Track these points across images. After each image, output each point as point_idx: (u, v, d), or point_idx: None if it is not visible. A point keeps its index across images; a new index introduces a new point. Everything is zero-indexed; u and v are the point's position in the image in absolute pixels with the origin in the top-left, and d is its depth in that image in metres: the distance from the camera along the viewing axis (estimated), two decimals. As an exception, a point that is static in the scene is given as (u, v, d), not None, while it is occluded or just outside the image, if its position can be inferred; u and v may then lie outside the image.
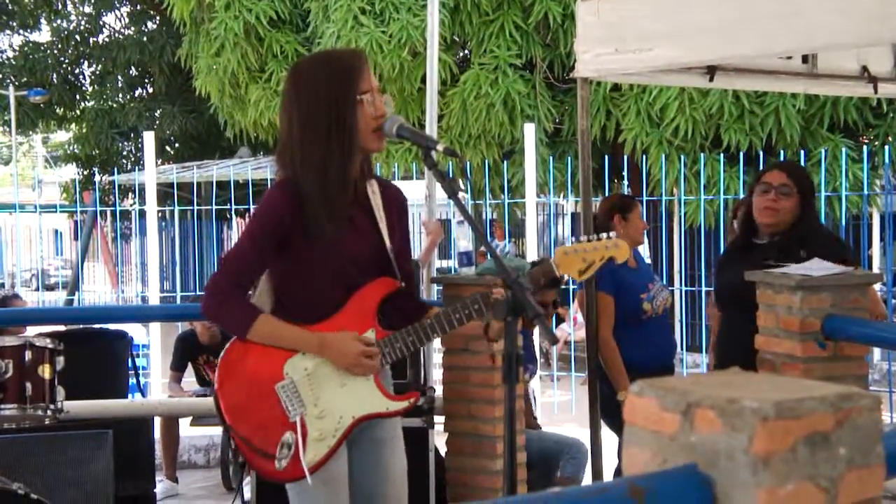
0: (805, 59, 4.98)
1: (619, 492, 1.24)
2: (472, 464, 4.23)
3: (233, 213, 11.54)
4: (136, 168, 16.18)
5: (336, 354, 2.80)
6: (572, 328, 10.76)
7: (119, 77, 18.90)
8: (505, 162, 10.40)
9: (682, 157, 9.82)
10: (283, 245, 2.80)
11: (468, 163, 10.59)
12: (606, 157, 9.56)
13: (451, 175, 2.80)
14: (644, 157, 10.05)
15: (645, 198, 9.55)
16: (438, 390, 4.48)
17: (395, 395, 2.92)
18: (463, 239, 4.41)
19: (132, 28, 18.98)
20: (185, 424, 6.47)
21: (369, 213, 2.90)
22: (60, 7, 19.58)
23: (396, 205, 2.99)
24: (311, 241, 2.79)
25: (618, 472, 4.78)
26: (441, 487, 4.26)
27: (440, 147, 2.70)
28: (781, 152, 9.45)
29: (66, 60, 19.25)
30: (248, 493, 5.00)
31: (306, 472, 2.77)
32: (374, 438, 2.95)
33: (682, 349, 9.59)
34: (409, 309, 2.96)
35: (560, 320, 11.33)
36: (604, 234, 2.90)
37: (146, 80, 19.07)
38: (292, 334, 2.80)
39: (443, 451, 4.38)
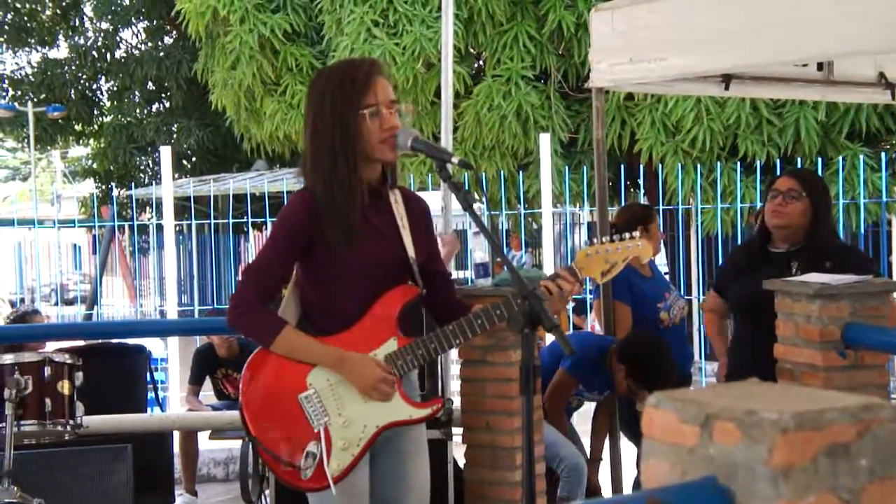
0: (821, 66, 4.96)
1: (638, 505, 1.23)
2: (490, 475, 4.22)
3: (250, 225, 11.58)
4: (154, 182, 16.27)
5: (355, 376, 2.82)
6: (590, 338, 10.72)
7: (136, 92, 19.00)
8: (520, 173, 10.40)
9: (699, 167, 9.79)
10: (305, 253, 2.84)
11: (483, 174, 10.60)
12: (622, 166, 9.55)
13: (466, 187, 2.79)
14: (660, 166, 10.03)
15: (661, 207, 9.53)
16: (456, 402, 4.47)
17: (418, 403, 2.93)
18: (479, 250, 4.41)
19: (149, 43, 19.08)
20: (203, 438, 6.47)
21: (392, 221, 2.93)
22: (78, 23, 19.71)
23: (421, 214, 3.02)
24: (331, 248, 2.81)
25: (637, 484, 4.76)
26: (460, 499, 4.25)
27: (455, 160, 2.72)
28: (798, 161, 9.42)
29: (84, 76, 19.38)
30: (267, 507, 5.00)
31: (330, 481, 2.79)
32: (398, 450, 2.96)
33: (700, 358, 9.55)
34: (454, 308, 2.98)
35: (577, 328, 11.30)
36: (626, 234, 2.89)
37: (163, 95, 19.17)
38: (313, 348, 2.83)
39: (461, 462, 4.37)
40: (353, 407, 2.84)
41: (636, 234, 2.91)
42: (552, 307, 2.79)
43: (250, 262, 2.98)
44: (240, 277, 2.91)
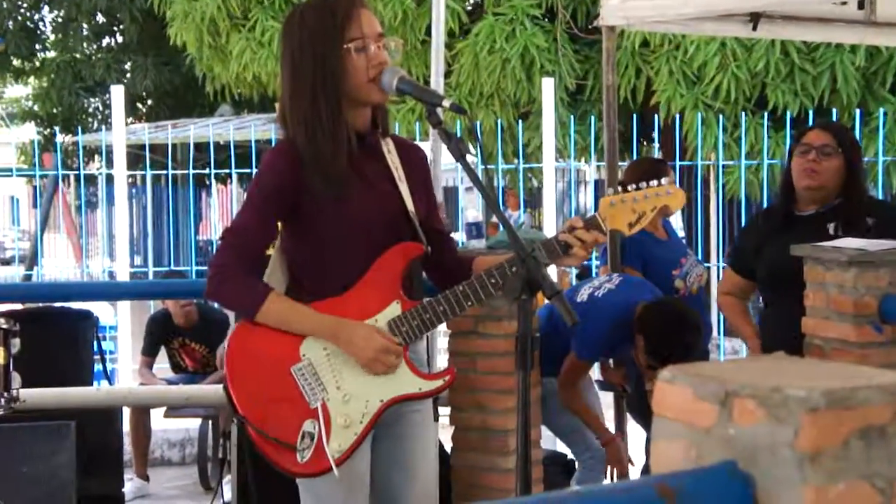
0: (862, 4, 4.94)
1: (646, 492, 1.24)
2: (480, 461, 4.24)
3: (213, 178, 11.54)
4: (104, 127, 16.17)
5: (353, 347, 2.80)
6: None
7: (84, 24, 18.85)
8: (520, 123, 10.37)
9: (722, 120, 9.78)
10: (290, 211, 2.84)
11: (479, 124, 10.56)
12: (636, 118, 9.54)
13: (458, 136, 2.78)
14: (678, 119, 10.02)
15: (678, 163, 9.52)
16: (443, 379, 4.48)
17: (428, 374, 2.93)
18: (472, 208, 4.40)
19: (99, -32, 18.92)
20: (157, 416, 6.49)
21: (386, 172, 2.92)
22: (17, -56, 19.53)
23: (418, 164, 3.02)
24: (319, 203, 2.81)
25: (645, 471, 4.78)
26: (446, 487, 4.27)
27: (446, 103, 2.71)
28: (834, 114, 9.41)
29: (24, 4, 19.20)
30: (228, 494, 5.02)
31: (332, 463, 2.77)
32: (401, 435, 2.97)
33: (718, 333, 9.59)
34: (453, 266, 2.99)
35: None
36: (653, 181, 2.87)
37: (115, 28, 19.02)
38: (304, 317, 2.82)
39: (448, 446, 4.39)
40: (354, 379, 2.83)
41: (665, 180, 2.88)
42: (571, 262, 2.79)
43: (228, 224, 2.97)
44: (209, 236, 2.90)
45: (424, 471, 3.00)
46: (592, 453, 4.58)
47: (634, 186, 2.86)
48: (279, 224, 2.89)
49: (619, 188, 2.89)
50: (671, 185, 2.88)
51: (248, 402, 2.83)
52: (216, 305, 5.92)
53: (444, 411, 4.37)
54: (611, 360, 4.89)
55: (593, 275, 9.90)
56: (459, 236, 10.00)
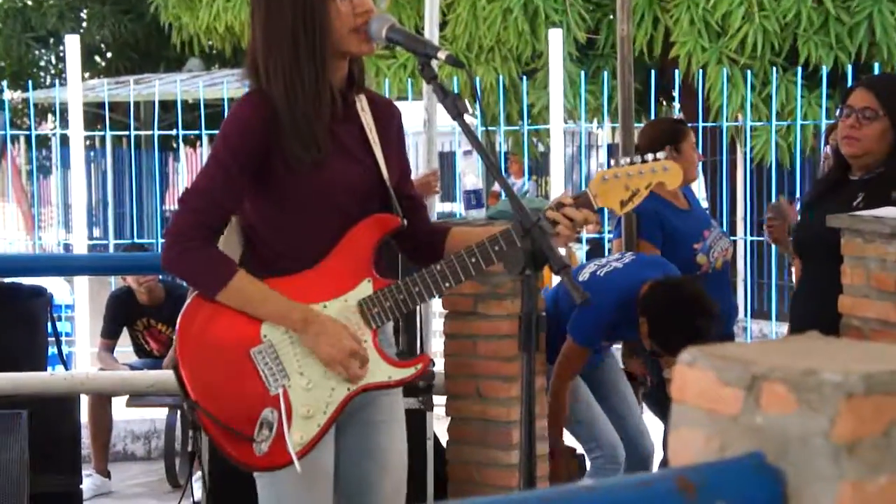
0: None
1: (665, 486, 1.24)
2: (479, 455, 4.26)
3: (181, 140, 11.52)
4: (58, 83, 16.11)
5: (319, 344, 2.81)
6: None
7: (35, -33, 18.76)
8: (524, 81, 10.35)
9: (749, 77, 9.77)
10: (258, 173, 2.82)
11: (478, 80, 10.54)
12: (653, 74, 9.52)
13: (456, 93, 2.79)
14: (701, 75, 10.00)
15: (701, 125, 9.51)
16: (439, 364, 4.50)
17: (399, 362, 2.95)
18: (471, 174, 4.39)
19: None
20: (119, 405, 6.50)
21: (361, 134, 2.92)
22: None
23: (391, 123, 3.01)
24: (290, 169, 2.80)
25: (664, 464, 4.81)
26: (441, 485, 4.29)
27: (441, 55, 2.71)
28: (876, 68, 9.39)
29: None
30: (198, 492, 5.03)
31: (294, 456, 2.78)
32: (369, 421, 2.98)
33: (745, 315, 9.60)
34: (430, 240, 3.00)
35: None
36: (650, 156, 2.89)
37: (70, -28, 18.92)
38: (272, 302, 2.82)
39: (443, 439, 4.40)
40: (319, 366, 2.84)
41: (662, 154, 2.90)
42: (557, 242, 2.80)
43: (189, 185, 2.96)
44: (175, 206, 2.89)
45: (394, 461, 3.03)
46: (603, 451, 4.58)
47: (628, 161, 2.90)
48: (246, 188, 2.87)
49: (614, 163, 2.90)
50: (668, 160, 2.91)
51: (201, 386, 2.83)
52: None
53: (440, 400, 4.39)
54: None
55: (605, 252, 9.92)
56: (458, 207, 10.00)
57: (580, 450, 4.77)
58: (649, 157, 2.89)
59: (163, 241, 2.86)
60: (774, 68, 9.87)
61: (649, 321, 4.22)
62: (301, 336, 2.82)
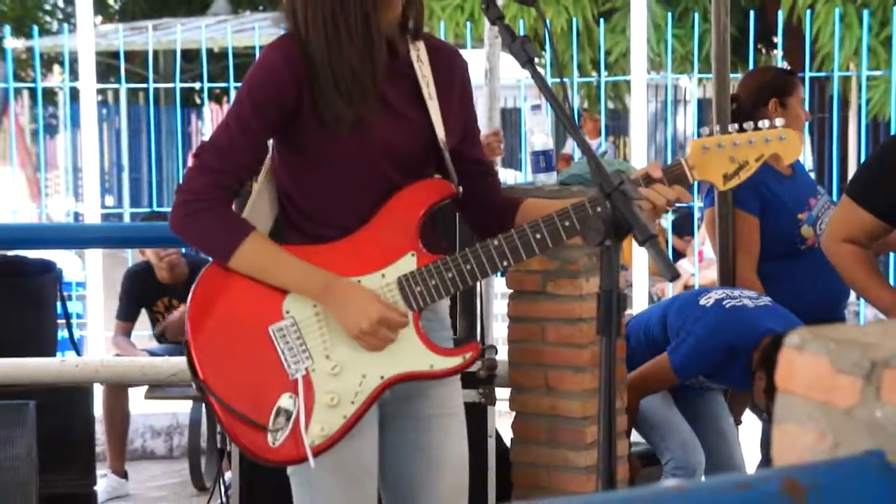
0: None
1: (769, 488, 1.24)
2: (548, 457, 4.26)
3: (205, 94, 11.59)
4: (66, 29, 16.25)
5: (345, 312, 2.80)
6: (696, 265, 10.75)
7: None
8: (601, 24, 10.32)
9: (866, 17, 9.68)
10: (286, 130, 2.83)
11: (548, 23, 10.53)
12: (752, 17, 9.46)
13: (524, 36, 2.78)
14: (809, 16, 9.93)
15: (808, 75, 9.44)
16: (502, 352, 4.51)
17: (444, 349, 2.93)
18: (539, 132, 4.35)
19: None
20: (137, 396, 6.56)
21: (414, 89, 2.91)
22: None
23: (455, 75, 2.99)
24: (325, 125, 2.80)
25: (765, 462, 4.79)
26: (504, 489, 4.31)
27: (509, -9, 2.70)
28: None
29: None
30: (226, 495, 5.07)
31: (308, 452, 2.80)
32: (419, 415, 2.99)
33: (857, 297, 9.52)
34: (500, 212, 2.98)
35: (678, 255, 11.30)
36: (762, 122, 2.85)
37: None
38: (287, 267, 2.83)
39: (507, 438, 4.42)
40: (349, 347, 2.84)
41: (779, 121, 2.87)
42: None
43: (205, 139, 2.97)
44: (190, 162, 2.91)
45: (452, 458, 3.02)
46: (675, 458, 4.56)
47: (737, 129, 2.85)
48: (269, 146, 2.88)
49: (717, 130, 2.86)
50: (785, 129, 2.86)
51: (211, 365, 2.85)
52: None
53: (503, 394, 4.40)
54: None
55: (694, 226, 9.88)
56: (519, 175, 9.98)
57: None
58: (763, 123, 2.85)
59: (174, 198, 2.87)
60: None
61: (769, 378, 4.18)
62: (325, 305, 2.82)
